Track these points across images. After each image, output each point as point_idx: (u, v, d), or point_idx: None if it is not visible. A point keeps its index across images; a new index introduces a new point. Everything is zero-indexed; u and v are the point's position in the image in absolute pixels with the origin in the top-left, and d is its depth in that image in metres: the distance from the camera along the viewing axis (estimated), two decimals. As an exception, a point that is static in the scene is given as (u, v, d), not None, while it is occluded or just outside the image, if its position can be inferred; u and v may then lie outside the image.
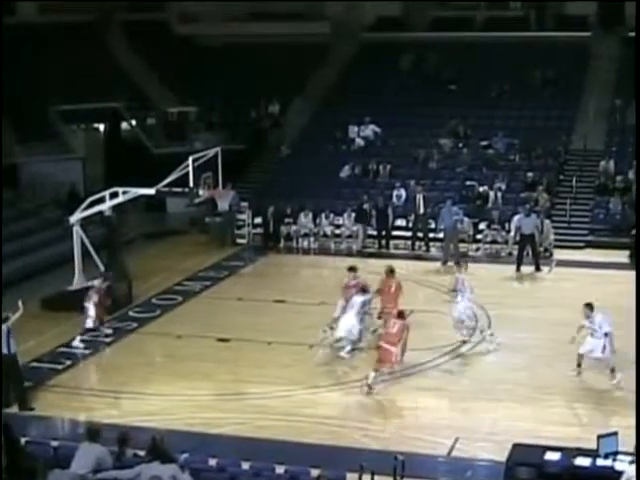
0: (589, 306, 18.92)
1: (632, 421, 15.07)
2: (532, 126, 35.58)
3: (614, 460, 13.34)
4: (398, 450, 14.73)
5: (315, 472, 12.97)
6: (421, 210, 31.24)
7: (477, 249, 30.41)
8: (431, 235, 30.87)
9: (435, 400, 18.35)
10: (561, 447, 13.92)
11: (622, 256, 28.72)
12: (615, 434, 13.72)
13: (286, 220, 32.12)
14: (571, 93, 37.25)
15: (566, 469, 13.35)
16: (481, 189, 32.83)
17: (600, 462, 13.39)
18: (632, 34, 37.12)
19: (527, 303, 24.57)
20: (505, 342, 21.05)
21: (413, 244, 31.06)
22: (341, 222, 32.06)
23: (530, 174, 33.37)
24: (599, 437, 13.67)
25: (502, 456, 14.22)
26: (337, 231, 31.90)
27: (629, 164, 33.04)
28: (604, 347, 18.53)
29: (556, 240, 29.85)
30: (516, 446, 14.22)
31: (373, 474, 13.50)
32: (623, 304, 21.26)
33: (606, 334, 18.53)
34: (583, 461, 13.44)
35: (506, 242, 30.09)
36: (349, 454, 15.31)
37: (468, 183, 33.46)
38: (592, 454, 13.56)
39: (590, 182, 33.40)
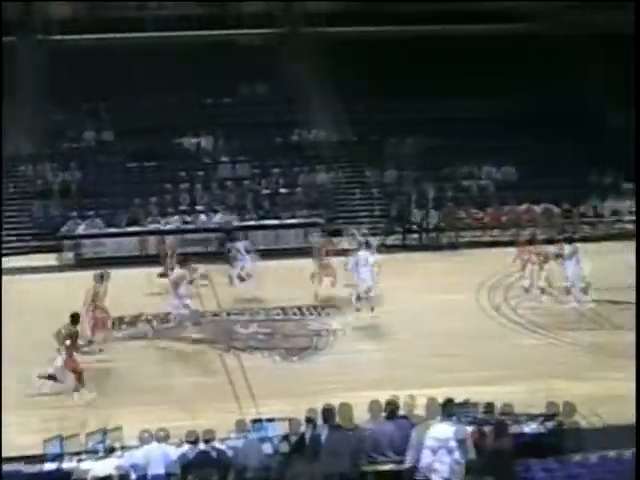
0: None
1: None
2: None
3: (61, 462, 13.63)
4: None
5: None
6: None
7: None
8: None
9: None
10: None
11: (51, 259, 29.06)
12: (60, 437, 13.99)
13: None
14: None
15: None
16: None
17: (47, 466, 13.63)
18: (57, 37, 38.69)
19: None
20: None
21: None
22: None
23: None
24: (44, 441, 13.88)
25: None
26: None
27: (52, 167, 33.75)
28: None
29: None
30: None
31: None
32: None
33: None
34: (31, 468, 13.53)
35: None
36: None
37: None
38: (39, 460, 13.72)
39: (23, 187, 33.44)
